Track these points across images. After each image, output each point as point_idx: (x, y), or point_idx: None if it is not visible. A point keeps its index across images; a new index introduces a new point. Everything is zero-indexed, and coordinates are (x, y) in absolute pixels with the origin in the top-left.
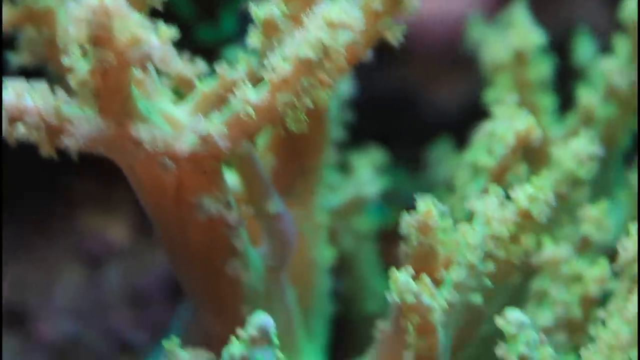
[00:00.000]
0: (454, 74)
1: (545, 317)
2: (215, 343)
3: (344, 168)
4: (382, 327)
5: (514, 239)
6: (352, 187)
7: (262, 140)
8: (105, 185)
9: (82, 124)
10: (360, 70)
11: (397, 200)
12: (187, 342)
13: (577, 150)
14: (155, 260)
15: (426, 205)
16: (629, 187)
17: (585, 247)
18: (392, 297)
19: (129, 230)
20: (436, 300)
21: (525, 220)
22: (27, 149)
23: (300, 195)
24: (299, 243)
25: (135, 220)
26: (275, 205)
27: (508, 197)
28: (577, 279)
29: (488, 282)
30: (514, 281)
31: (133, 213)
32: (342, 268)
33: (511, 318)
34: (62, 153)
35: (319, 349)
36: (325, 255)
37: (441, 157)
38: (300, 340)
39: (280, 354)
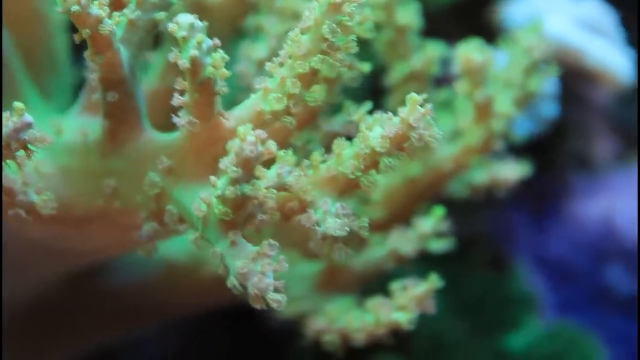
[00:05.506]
0: None
1: (260, 50)
2: None
3: None
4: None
5: None
6: None
7: None
8: None
9: None
10: None
11: None
12: None
13: None
14: None
15: None
16: None
17: None
18: (60, 6)
19: None
20: (103, 9)
21: None
22: None
23: None
24: None
25: None
26: None
27: None
28: (295, 16)
29: None
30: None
31: None
32: None
33: (181, 21)
34: None
35: (56, 110)
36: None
37: None
38: (26, 91)
39: None
